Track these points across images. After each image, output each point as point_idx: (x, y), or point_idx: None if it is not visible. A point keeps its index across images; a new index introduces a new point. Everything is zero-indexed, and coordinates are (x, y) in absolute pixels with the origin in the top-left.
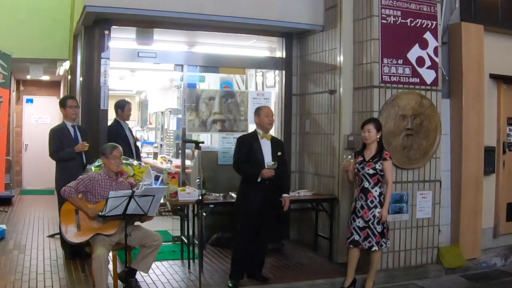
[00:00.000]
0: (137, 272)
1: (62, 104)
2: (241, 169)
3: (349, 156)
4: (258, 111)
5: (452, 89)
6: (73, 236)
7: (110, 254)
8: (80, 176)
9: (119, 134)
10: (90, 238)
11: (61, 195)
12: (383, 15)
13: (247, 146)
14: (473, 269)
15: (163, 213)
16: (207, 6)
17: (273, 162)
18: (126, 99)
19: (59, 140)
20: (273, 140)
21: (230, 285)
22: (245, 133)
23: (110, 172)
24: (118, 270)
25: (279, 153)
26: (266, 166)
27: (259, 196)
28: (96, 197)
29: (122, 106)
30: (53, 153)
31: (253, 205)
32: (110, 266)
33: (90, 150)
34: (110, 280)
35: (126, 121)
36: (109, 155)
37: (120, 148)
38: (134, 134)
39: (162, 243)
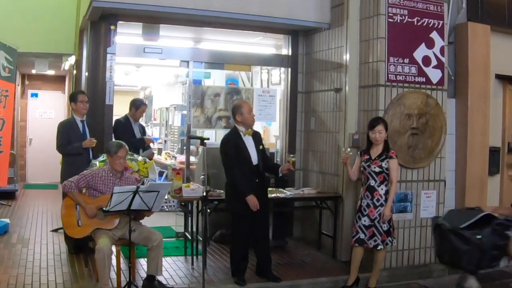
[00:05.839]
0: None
1: (73, 98)
2: (236, 180)
3: (348, 149)
4: (239, 109)
5: (457, 89)
6: (74, 230)
7: (114, 249)
8: (83, 172)
9: (127, 129)
10: (91, 232)
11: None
12: (389, 14)
13: (234, 147)
14: None
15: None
16: (215, 3)
17: (292, 155)
18: (145, 101)
19: (67, 134)
20: (254, 135)
21: (235, 280)
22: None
23: (114, 171)
24: (122, 266)
25: (260, 147)
26: (253, 163)
27: None
28: (99, 193)
29: (138, 106)
30: (60, 146)
31: (246, 207)
32: (113, 261)
33: (95, 145)
34: (113, 275)
35: (137, 121)
36: (113, 154)
37: (126, 147)
38: (147, 134)
39: (166, 239)
